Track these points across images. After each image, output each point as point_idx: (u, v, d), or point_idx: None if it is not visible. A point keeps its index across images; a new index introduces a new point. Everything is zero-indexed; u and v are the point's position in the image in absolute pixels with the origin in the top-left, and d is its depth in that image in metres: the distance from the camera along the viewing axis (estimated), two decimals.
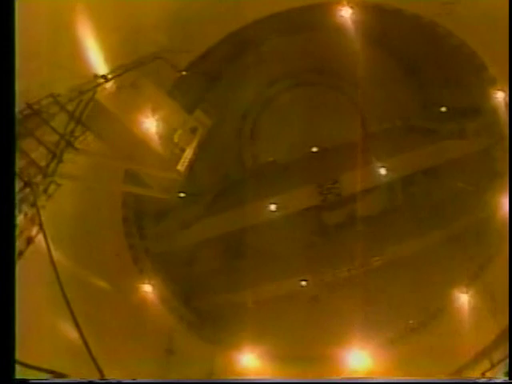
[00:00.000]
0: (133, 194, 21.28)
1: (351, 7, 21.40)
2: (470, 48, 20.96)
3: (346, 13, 21.59)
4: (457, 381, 7.24)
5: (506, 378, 7.09)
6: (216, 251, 24.16)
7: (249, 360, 22.51)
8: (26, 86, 11.02)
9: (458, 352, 19.83)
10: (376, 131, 25.16)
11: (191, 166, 20.15)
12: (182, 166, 19.76)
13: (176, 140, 19.70)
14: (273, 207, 23.64)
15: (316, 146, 24.93)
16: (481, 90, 21.44)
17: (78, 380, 7.49)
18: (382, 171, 23.40)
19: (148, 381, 10.95)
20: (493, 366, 17.21)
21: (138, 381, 10.10)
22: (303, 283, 24.42)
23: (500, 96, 20.84)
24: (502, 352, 20.65)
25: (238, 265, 23.69)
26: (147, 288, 21.35)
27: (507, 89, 20.35)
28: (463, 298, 22.93)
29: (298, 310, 23.15)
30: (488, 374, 16.94)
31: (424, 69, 24.08)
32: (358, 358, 22.56)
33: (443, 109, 24.31)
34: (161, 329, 20.65)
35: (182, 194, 22.87)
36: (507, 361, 18.24)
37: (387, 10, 21.68)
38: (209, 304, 23.29)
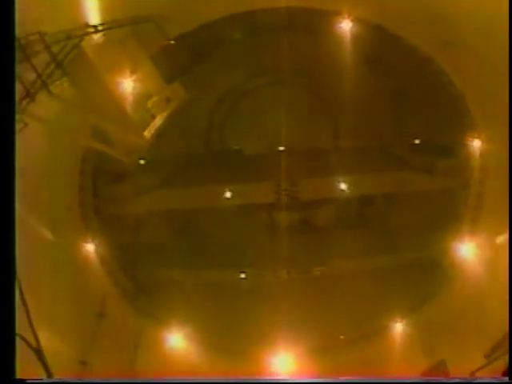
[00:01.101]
0: (95, 151, 20.93)
1: (352, 21, 21.59)
2: (459, 90, 21.25)
3: (345, 25, 21.76)
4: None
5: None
6: (164, 225, 23.94)
7: (176, 339, 22.42)
8: (18, 18, 10.82)
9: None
10: (347, 146, 25.09)
11: (158, 135, 20.14)
12: (148, 133, 19.67)
13: (149, 106, 19.61)
14: (228, 194, 23.47)
15: (284, 145, 24.81)
16: (459, 133, 21.65)
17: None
18: (343, 186, 23.38)
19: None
20: None
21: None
22: (242, 275, 24.54)
23: (476, 144, 21.12)
24: None
25: (183, 243, 23.53)
26: (90, 247, 21.17)
27: (485, 139, 20.77)
28: (398, 328, 23.31)
29: (233, 301, 23.12)
30: None
31: (409, 99, 24.16)
32: (282, 360, 22.99)
33: (417, 141, 24.46)
34: (96, 291, 20.37)
35: (142, 161, 22.93)
36: None
37: (388, 33, 21.84)
38: (147, 276, 23.15)
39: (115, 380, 7.98)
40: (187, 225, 24.36)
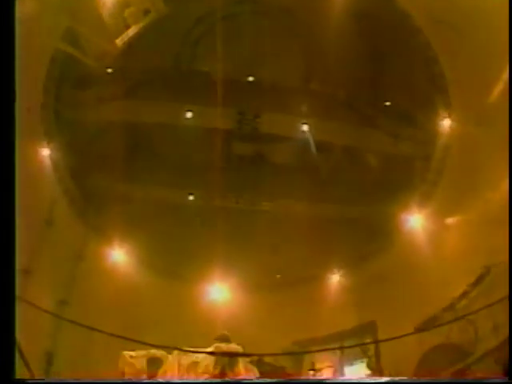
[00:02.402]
0: (65, 53, 19.82)
1: None
2: (441, 69, 20.69)
3: None
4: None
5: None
6: (121, 137, 23.10)
7: (118, 255, 22.55)
8: None
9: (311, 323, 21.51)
10: (316, 90, 24.70)
11: (129, 46, 19.59)
12: (120, 41, 19.14)
13: (125, 15, 18.98)
14: (189, 115, 23.09)
15: (254, 76, 24.26)
16: (432, 108, 21.32)
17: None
18: (305, 127, 23.34)
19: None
20: None
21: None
22: (191, 198, 24.64)
23: (445, 123, 20.93)
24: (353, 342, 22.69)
25: (137, 158, 22.89)
26: (45, 152, 20.58)
27: (456, 120, 20.52)
28: (334, 279, 24.02)
29: (178, 222, 23.17)
30: None
31: (389, 62, 23.58)
32: (218, 289, 23.17)
33: (388, 103, 24.19)
34: (45, 197, 19.91)
35: (109, 70, 22.31)
36: None
37: None
38: (97, 187, 22.72)
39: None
40: (143, 140, 23.84)
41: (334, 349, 22.39)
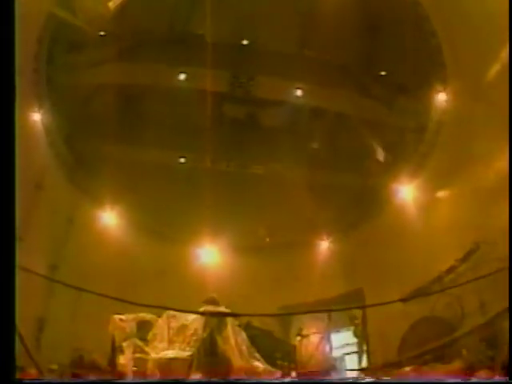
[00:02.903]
0: (56, 17, 19.31)
1: None
2: (439, 42, 20.12)
3: None
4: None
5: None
6: (114, 100, 22.76)
7: (108, 218, 22.57)
8: None
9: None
10: (311, 56, 24.02)
11: (122, 8, 19.23)
12: (113, 4, 18.77)
13: None
14: (182, 76, 22.89)
15: (248, 40, 23.82)
16: (428, 81, 21.04)
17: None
18: (299, 92, 23.15)
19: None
20: None
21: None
22: (182, 160, 24.62)
23: (441, 97, 20.64)
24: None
25: (129, 120, 22.50)
26: (36, 116, 20.23)
27: (451, 94, 20.24)
28: (323, 245, 24.24)
29: (168, 185, 23.14)
30: None
31: (387, 32, 22.80)
32: (207, 252, 23.43)
33: (383, 73, 23.83)
34: (36, 161, 19.45)
35: (102, 32, 21.88)
36: None
37: None
38: (89, 150, 22.53)
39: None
40: (136, 102, 23.35)
41: (322, 311, 22.64)
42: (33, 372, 14.11)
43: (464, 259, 18.49)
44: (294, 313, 22.80)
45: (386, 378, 9.47)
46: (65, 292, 18.96)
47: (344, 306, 23.18)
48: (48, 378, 7.47)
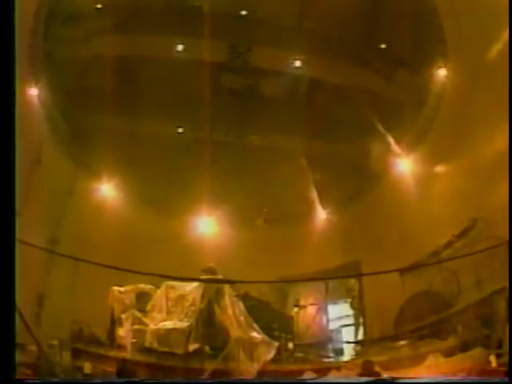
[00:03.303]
0: None
1: None
2: (441, 21, 19.84)
3: None
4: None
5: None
6: (112, 72, 22.25)
7: (106, 190, 22.69)
8: None
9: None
10: (310, 28, 23.48)
11: None
12: None
13: None
14: (180, 47, 22.54)
15: (247, 10, 23.19)
16: (429, 56, 20.77)
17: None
18: (297, 63, 22.89)
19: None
20: None
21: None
22: (180, 130, 24.56)
23: (441, 72, 20.44)
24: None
25: (126, 92, 22.11)
26: (33, 91, 19.92)
27: (452, 69, 20.03)
28: (320, 216, 24.55)
29: (166, 155, 23.06)
30: None
31: (388, 6, 22.29)
32: (205, 222, 23.84)
33: (383, 46, 23.39)
34: (33, 137, 19.03)
35: (99, 5, 21.56)
36: None
37: None
38: (86, 123, 22.26)
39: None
40: (133, 73, 23.05)
41: (319, 279, 22.92)
42: (33, 348, 14.33)
43: (461, 235, 18.48)
44: (290, 280, 23.05)
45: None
46: (64, 266, 19.20)
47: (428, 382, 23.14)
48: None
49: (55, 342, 15.82)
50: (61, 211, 20.30)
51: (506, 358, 12.65)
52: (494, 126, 15.80)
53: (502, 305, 15.28)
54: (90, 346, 17.38)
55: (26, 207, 16.56)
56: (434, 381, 8.21)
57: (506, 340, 13.78)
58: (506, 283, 13.70)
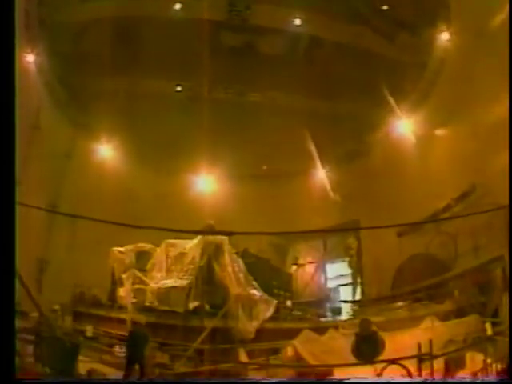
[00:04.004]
0: None
1: None
2: None
3: None
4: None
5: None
6: (107, 33, 21.58)
7: (105, 151, 22.81)
8: None
9: None
10: None
11: None
12: None
13: None
14: (178, 6, 22.05)
15: None
16: (431, 20, 20.41)
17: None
18: (297, 21, 22.32)
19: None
20: None
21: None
22: (178, 88, 24.27)
23: (443, 36, 20.07)
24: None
25: (123, 52, 21.70)
26: (29, 58, 19.62)
27: (454, 33, 19.63)
28: (319, 174, 24.72)
29: (165, 114, 22.76)
30: None
31: None
32: (204, 180, 24.22)
33: (385, 7, 22.50)
34: (31, 103, 18.74)
35: None
36: None
37: None
38: (84, 85, 21.89)
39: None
40: (130, 34, 22.23)
41: (317, 231, 22.98)
42: (35, 315, 14.38)
43: (460, 199, 18.49)
44: (290, 232, 23.12)
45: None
46: (64, 231, 19.29)
47: (339, 236, 23.52)
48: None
49: (57, 307, 15.94)
50: (60, 175, 20.34)
51: (502, 327, 13.01)
52: (495, 91, 15.58)
53: (498, 273, 15.37)
54: (91, 309, 17.75)
55: (26, 174, 16.54)
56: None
57: (502, 308, 13.99)
58: (504, 252, 13.99)
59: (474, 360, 10.91)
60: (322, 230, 22.24)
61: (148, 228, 15.26)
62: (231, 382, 8.26)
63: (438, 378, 9.29)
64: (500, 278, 15.03)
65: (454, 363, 10.95)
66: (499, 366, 9.85)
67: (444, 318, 14.80)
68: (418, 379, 8.21)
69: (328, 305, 21.98)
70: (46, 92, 20.97)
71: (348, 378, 7.71)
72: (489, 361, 10.34)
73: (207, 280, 16.61)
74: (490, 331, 12.82)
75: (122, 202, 20.55)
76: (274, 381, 8.83)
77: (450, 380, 7.98)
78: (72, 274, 18.38)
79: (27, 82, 18.98)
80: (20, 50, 18.62)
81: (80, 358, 11.63)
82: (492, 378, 9.27)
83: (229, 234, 17.38)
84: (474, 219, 14.80)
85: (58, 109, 21.48)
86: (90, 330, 15.61)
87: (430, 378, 9.02)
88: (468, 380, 7.86)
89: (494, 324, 13.19)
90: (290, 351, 14.14)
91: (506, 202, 9.10)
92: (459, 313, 15.04)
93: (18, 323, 11.48)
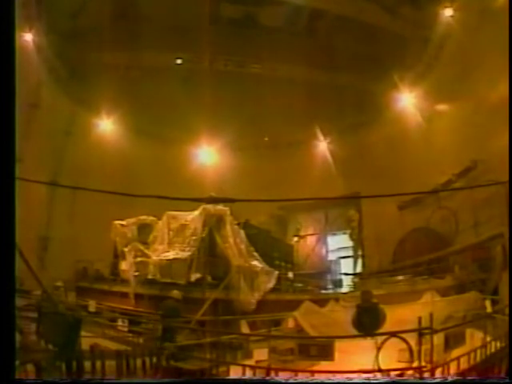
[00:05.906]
0: None
1: None
2: None
3: None
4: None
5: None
6: (106, 7, 21.24)
7: (106, 125, 22.61)
8: None
9: None
10: None
11: None
12: None
13: None
14: None
15: None
16: None
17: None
18: None
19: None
20: None
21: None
22: (178, 61, 23.84)
23: (447, 11, 19.69)
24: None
25: (122, 26, 21.22)
26: (27, 37, 19.19)
27: (457, 9, 19.36)
28: (321, 146, 24.73)
29: (165, 87, 22.42)
30: None
31: None
32: (205, 152, 24.13)
33: None
34: (30, 81, 18.48)
35: None
36: None
37: None
38: (82, 60, 21.57)
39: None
40: (129, 7, 21.91)
41: (318, 198, 22.87)
42: (38, 293, 14.33)
43: (461, 175, 18.42)
44: (293, 199, 23.03)
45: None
46: (65, 207, 19.25)
47: (340, 208, 23.48)
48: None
49: (60, 284, 15.93)
50: (61, 151, 20.19)
51: (501, 305, 13.01)
52: (498, 69, 15.35)
53: (498, 250, 15.39)
54: (94, 284, 17.65)
55: (27, 153, 16.40)
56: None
57: (502, 286, 14.01)
58: (504, 229, 13.99)
59: (473, 337, 10.96)
60: (323, 198, 22.20)
61: (148, 197, 15.30)
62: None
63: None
64: (500, 256, 15.11)
65: (453, 339, 10.99)
66: (498, 345, 9.90)
67: (444, 293, 14.79)
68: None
69: (329, 277, 22.02)
70: (45, 70, 20.58)
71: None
72: (488, 339, 10.41)
73: (209, 252, 16.51)
74: (489, 308, 12.86)
75: (123, 176, 20.11)
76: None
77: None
78: (74, 249, 18.29)
79: (26, 61, 18.60)
80: (18, 29, 18.33)
81: (83, 333, 11.66)
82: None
83: (230, 200, 17.39)
84: (474, 193, 14.80)
85: (57, 85, 21.10)
86: (92, 305, 15.64)
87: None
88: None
89: (493, 302, 13.24)
90: (290, 323, 14.23)
91: (507, 179, 9.09)
92: (459, 289, 15.03)
93: (22, 301, 11.49)
